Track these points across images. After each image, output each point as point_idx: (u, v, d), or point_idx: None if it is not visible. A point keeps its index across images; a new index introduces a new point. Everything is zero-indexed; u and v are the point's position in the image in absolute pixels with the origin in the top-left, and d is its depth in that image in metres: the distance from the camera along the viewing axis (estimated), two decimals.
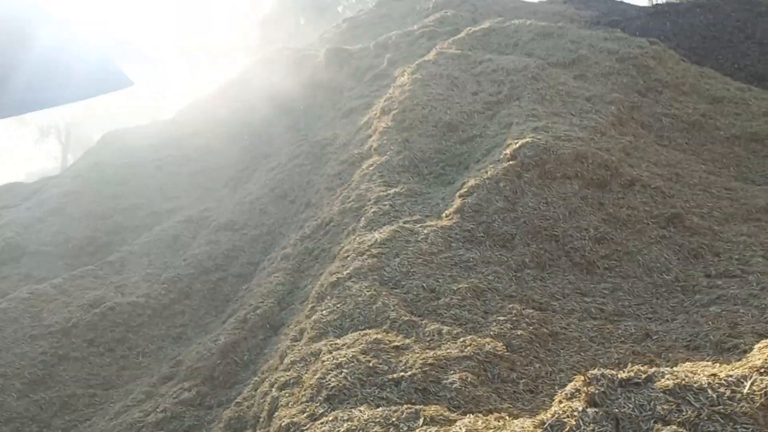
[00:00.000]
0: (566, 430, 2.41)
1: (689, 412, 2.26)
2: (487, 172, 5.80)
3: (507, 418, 2.98)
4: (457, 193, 5.78)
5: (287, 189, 8.51)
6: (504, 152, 5.90)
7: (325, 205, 7.08)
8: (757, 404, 2.22)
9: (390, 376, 3.51)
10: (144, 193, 9.86)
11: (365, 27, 14.74)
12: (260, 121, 11.60)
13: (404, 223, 5.53)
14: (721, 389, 2.31)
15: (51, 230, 8.77)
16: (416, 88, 8.13)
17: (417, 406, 3.20)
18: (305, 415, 3.40)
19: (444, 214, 5.57)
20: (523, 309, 4.22)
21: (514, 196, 5.47)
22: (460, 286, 4.45)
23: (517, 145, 5.82)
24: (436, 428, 2.97)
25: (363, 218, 5.93)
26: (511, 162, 5.73)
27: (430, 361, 3.57)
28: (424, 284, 4.51)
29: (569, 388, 2.64)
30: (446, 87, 8.07)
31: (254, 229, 8.05)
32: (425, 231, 5.21)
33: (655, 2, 14.97)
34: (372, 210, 6.00)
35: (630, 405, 2.35)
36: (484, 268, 4.77)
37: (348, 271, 4.77)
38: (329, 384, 3.51)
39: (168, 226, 8.46)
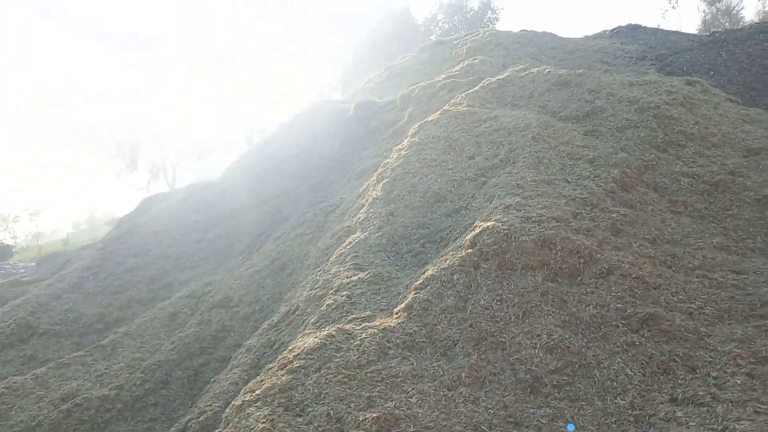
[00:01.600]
0: None
1: None
2: (445, 261, 5.22)
3: None
4: (414, 284, 5.23)
5: (286, 261, 8.22)
6: (465, 237, 5.29)
7: (301, 287, 6.72)
8: None
9: None
10: (163, 264, 9.92)
11: (406, 74, 14.43)
12: (291, 179, 11.49)
13: (350, 321, 5.05)
14: None
15: (64, 308, 8.96)
16: (411, 153, 7.66)
17: None
18: None
19: (395, 310, 5.04)
20: None
21: (467, 291, 4.85)
22: (371, 415, 3.89)
23: (478, 231, 5.20)
24: None
25: (317, 312, 5.51)
26: (469, 250, 5.11)
27: None
28: (332, 411, 3.99)
29: None
30: (442, 151, 7.53)
31: (248, 305, 7.81)
32: (363, 335, 4.70)
33: (712, 30, 13.59)
34: (328, 302, 5.56)
35: None
36: (411, 385, 4.18)
37: (259, 391, 4.34)
38: None
39: (169, 303, 8.39)
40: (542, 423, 3.84)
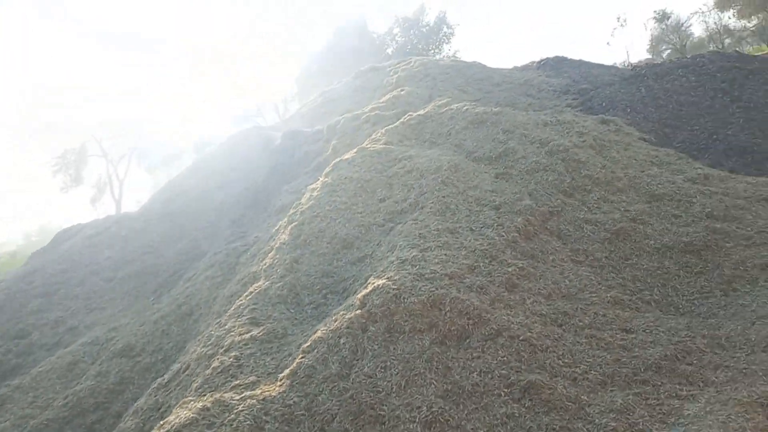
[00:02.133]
0: None
1: None
2: (335, 322, 5.03)
3: None
4: (302, 347, 5.01)
5: (194, 306, 7.89)
6: (357, 296, 5.11)
7: (197, 341, 6.42)
8: None
9: None
10: (70, 305, 9.45)
11: (339, 101, 14.27)
12: (212, 212, 11.15)
13: (231, 389, 4.79)
14: None
15: None
16: (323, 194, 7.46)
17: None
18: None
19: (281, 376, 4.80)
20: None
21: (353, 357, 4.66)
22: None
23: (369, 290, 5.02)
24: None
25: (203, 375, 5.22)
26: (358, 311, 4.93)
27: None
28: None
29: None
30: (353, 193, 7.35)
31: (151, 355, 7.44)
32: (241, 407, 4.45)
33: (633, 64, 13.90)
34: (215, 364, 5.29)
35: None
36: None
37: None
38: None
39: (69, 351, 7.95)
40: None
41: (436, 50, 45.73)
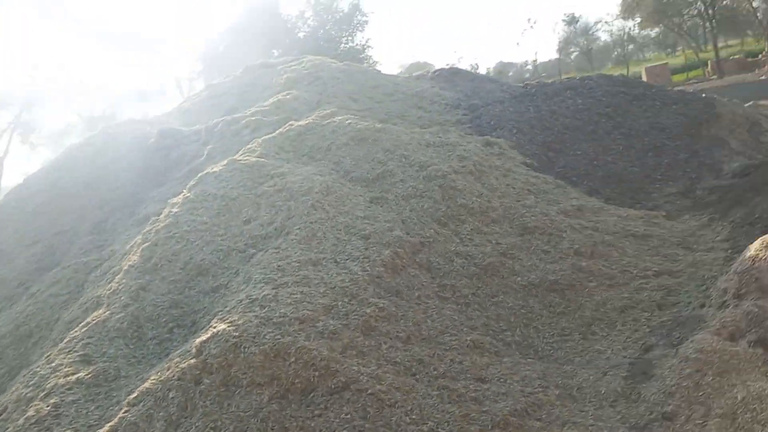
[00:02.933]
0: None
1: None
2: (168, 370, 4.53)
3: None
4: (128, 399, 4.49)
5: (34, 327, 7.10)
6: (195, 342, 4.63)
7: (21, 377, 5.72)
8: None
9: None
10: None
11: (225, 97, 13.53)
12: (73, 215, 10.20)
13: None
14: None
15: None
16: (183, 212, 6.88)
17: None
18: None
19: None
20: None
21: (181, 414, 4.19)
22: None
23: (207, 337, 4.56)
24: None
25: (14, 426, 4.59)
26: (193, 360, 4.46)
27: None
28: None
29: None
30: (216, 212, 6.83)
31: None
32: None
33: (525, 82, 14.12)
34: (30, 412, 4.67)
35: None
36: None
37: None
38: None
39: None
40: None
41: (349, 38, 45.21)
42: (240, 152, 8.26)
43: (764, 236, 5.26)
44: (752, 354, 4.33)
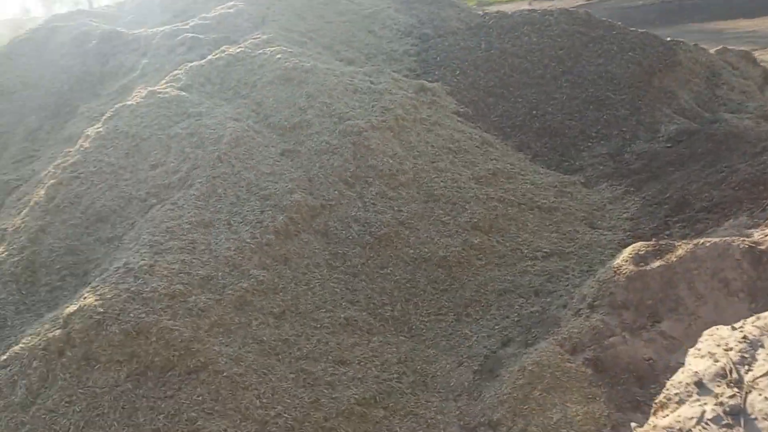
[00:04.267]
0: None
1: None
2: (36, 337, 4.78)
3: None
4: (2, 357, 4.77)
5: None
6: (64, 312, 4.84)
7: None
8: None
9: None
10: None
11: None
12: (10, 114, 10.04)
13: None
14: None
15: None
16: (92, 149, 6.86)
17: None
18: None
19: None
20: None
21: (41, 384, 4.49)
22: None
23: (74, 309, 4.77)
24: None
25: None
26: (58, 331, 4.70)
27: None
28: None
29: None
30: (125, 153, 6.81)
31: None
32: None
33: (485, 11, 13.48)
34: None
35: None
36: None
37: None
38: None
39: None
40: None
41: None
42: (164, 80, 8.08)
43: (634, 245, 5.40)
44: (582, 373, 4.63)
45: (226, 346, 4.90)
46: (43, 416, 4.30)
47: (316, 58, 8.68)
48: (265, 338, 5.12)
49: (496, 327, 5.72)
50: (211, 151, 6.62)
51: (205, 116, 7.19)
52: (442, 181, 7.10)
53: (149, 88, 7.64)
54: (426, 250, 6.36)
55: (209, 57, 8.41)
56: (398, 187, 6.92)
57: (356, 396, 4.85)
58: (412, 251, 6.35)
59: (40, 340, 4.69)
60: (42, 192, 6.56)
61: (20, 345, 4.76)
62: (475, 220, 6.68)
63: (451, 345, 5.62)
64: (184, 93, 7.63)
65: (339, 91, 7.79)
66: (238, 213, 6.10)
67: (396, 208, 6.67)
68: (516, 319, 5.77)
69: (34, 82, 10.32)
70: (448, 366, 5.33)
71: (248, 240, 5.78)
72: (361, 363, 5.21)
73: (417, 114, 7.95)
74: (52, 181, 6.59)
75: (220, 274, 5.41)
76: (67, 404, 4.37)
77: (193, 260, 5.43)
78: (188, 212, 5.94)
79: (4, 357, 4.72)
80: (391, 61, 9.59)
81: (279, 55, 8.19)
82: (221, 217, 6.01)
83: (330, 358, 5.18)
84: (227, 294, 5.25)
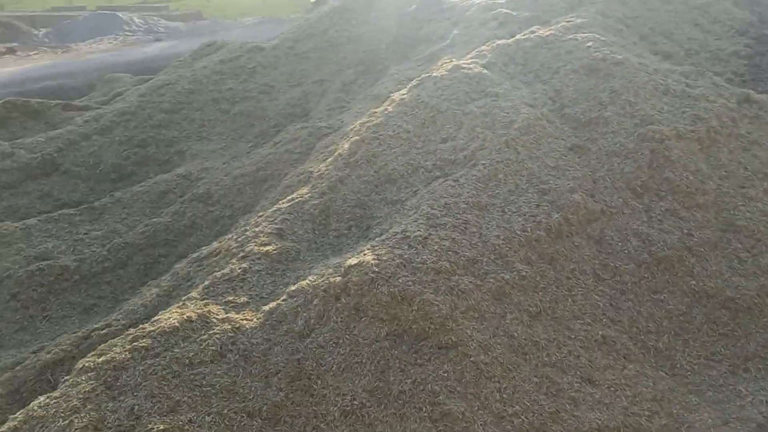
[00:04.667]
0: None
1: None
2: (321, 278, 5.40)
3: None
4: (288, 289, 5.51)
5: (268, 175, 8.57)
6: (345, 264, 5.37)
7: (236, 227, 7.13)
8: None
9: None
10: (186, 127, 10.53)
11: None
12: (333, 64, 11.34)
13: (224, 303, 5.45)
14: None
15: (89, 151, 9.93)
16: (394, 114, 7.41)
17: None
18: None
19: (263, 307, 5.38)
20: None
21: (318, 321, 5.08)
22: (163, 424, 4.47)
23: (354, 263, 5.27)
24: None
25: (210, 278, 5.92)
26: (338, 278, 5.25)
27: None
28: (136, 407, 4.59)
29: None
30: (421, 122, 7.21)
31: (222, 209, 8.38)
32: (216, 329, 5.12)
33: None
34: (225, 270, 5.94)
35: None
36: (220, 402, 4.67)
37: (93, 360, 4.96)
38: None
39: (162, 179, 9.12)
40: None
41: None
42: (470, 54, 8.29)
43: None
44: None
45: (478, 332, 5.02)
46: (314, 349, 4.89)
47: (630, 48, 8.12)
48: (516, 334, 5.12)
49: None
50: (501, 134, 6.68)
51: (502, 98, 7.25)
52: (748, 212, 6.22)
53: (455, 62, 7.93)
54: (711, 285, 5.70)
55: (517, 36, 8.40)
56: (694, 207, 6.25)
57: (599, 421, 4.63)
58: (694, 282, 5.74)
59: (322, 281, 5.30)
60: (346, 146, 7.29)
61: (307, 281, 5.43)
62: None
63: (718, 398, 5.02)
64: (486, 71, 7.76)
65: (647, 91, 7.21)
66: (514, 202, 6.10)
67: (686, 231, 6.05)
68: None
69: (357, 38, 11.40)
70: (710, 420, 4.79)
71: (518, 232, 5.77)
72: (611, 388, 4.93)
73: (734, 128, 7.02)
74: (355, 137, 7.28)
75: (485, 259, 5.51)
76: (334, 344, 4.90)
77: (463, 240, 5.60)
78: (467, 191, 6.11)
79: (293, 288, 5.43)
80: (715, 61, 8.54)
81: (589, 43, 7.84)
82: (496, 203, 6.07)
83: (578, 373, 5.00)
84: (488, 281, 5.34)
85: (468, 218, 5.84)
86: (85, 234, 8.13)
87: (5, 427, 4.51)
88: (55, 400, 4.57)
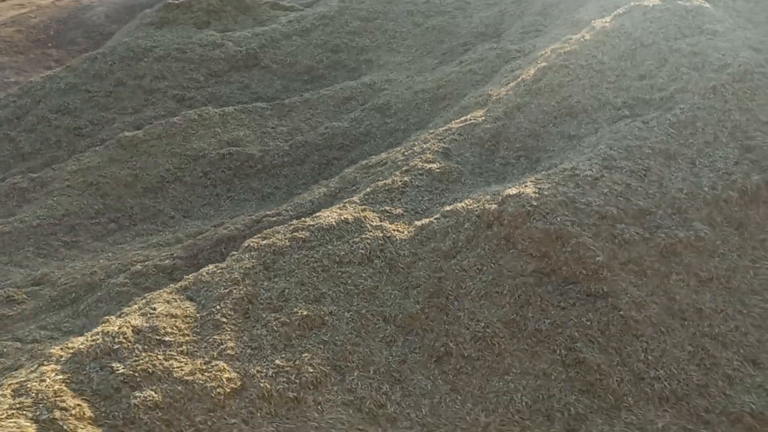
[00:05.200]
0: None
1: None
2: (477, 202, 5.30)
3: None
4: (443, 209, 5.47)
5: (447, 93, 8.47)
6: (504, 192, 5.18)
7: (408, 140, 7.17)
8: None
9: None
10: (378, 38, 10.64)
11: None
12: None
13: (378, 212, 5.60)
14: None
15: (288, 50, 10.45)
16: (590, 42, 6.84)
17: None
18: None
19: (417, 222, 5.44)
20: None
21: (467, 245, 5.03)
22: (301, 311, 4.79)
23: (512, 193, 5.07)
24: None
25: (373, 185, 6.08)
26: (493, 205, 5.11)
27: None
28: (286, 291, 4.94)
29: None
30: (620, 55, 6.58)
31: (398, 121, 8.49)
32: (368, 235, 5.31)
33: None
34: (387, 181, 6.05)
35: None
36: (363, 301, 4.88)
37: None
38: None
39: (348, 85, 9.37)
40: None
41: None
42: None
43: None
44: None
45: (634, 287, 4.66)
46: (457, 271, 4.88)
47: None
48: (678, 297, 4.69)
49: None
50: (709, 78, 5.90)
51: (720, 37, 6.35)
52: None
53: None
54: None
55: None
56: None
57: (753, 406, 4.17)
58: None
59: (477, 206, 5.20)
60: (531, 71, 6.92)
61: (463, 203, 5.37)
62: None
63: None
64: (707, 4, 6.82)
65: None
66: (709, 155, 5.43)
67: None
68: None
69: None
70: None
71: (706, 188, 5.16)
72: None
73: None
74: (543, 63, 6.87)
75: (660, 212, 5.03)
76: (477, 270, 4.85)
77: (639, 188, 5.14)
78: (656, 136, 5.55)
79: (448, 208, 5.40)
80: None
81: None
82: (688, 153, 5.45)
83: (741, 351, 4.50)
84: (658, 236, 4.89)
85: (650, 165, 5.33)
86: (272, 128, 8.72)
87: (179, 284, 5.13)
88: (220, 270, 5.09)
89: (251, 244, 5.36)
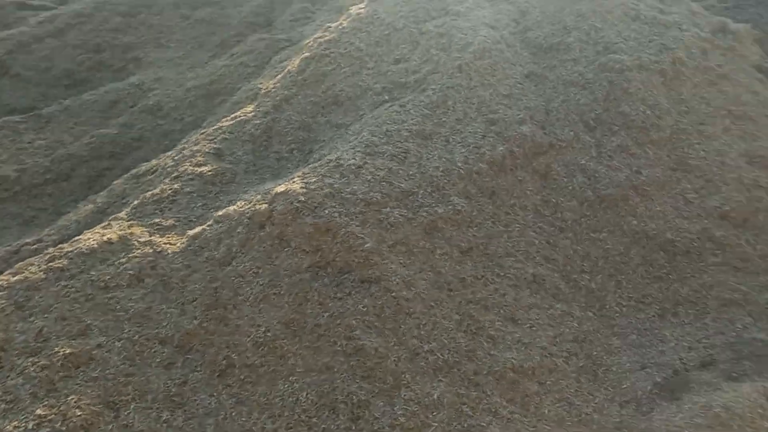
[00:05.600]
0: None
1: None
2: (248, 204, 5.21)
3: None
4: (215, 215, 5.32)
5: (221, 88, 8.20)
6: (273, 190, 5.17)
7: (181, 144, 6.86)
8: None
9: None
10: (144, 33, 10.00)
11: None
12: None
13: (149, 226, 5.30)
14: None
15: (41, 54, 9.45)
16: (347, 30, 6.99)
17: None
18: None
19: (190, 232, 5.22)
20: None
21: (240, 249, 4.94)
22: (65, 350, 4.42)
23: (280, 191, 5.06)
24: None
25: (141, 197, 5.72)
26: (264, 206, 5.06)
27: None
28: (45, 329, 4.51)
29: None
30: (375, 41, 6.81)
31: (172, 122, 8.07)
32: (137, 253, 4.99)
33: None
34: (155, 190, 5.74)
35: None
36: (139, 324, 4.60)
37: (14, 277, 4.85)
38: None
39: (114, 87, 8.73)
40: None
41: None
42: None
43: None
44: None
45: (403, 267, 4.90)
46: (233, 279, 4.77)
47: None
48: (443, 271, 5.00)
49: (703, 341, 4.92)
50: (455, 57, 6.31)
51: (462, 17, 6.82)
52: (703, 150, 5.99)
53: None
54: (653, 226, 5.56)
55: None
56: (647, 144, 6.01)
57: (514, 360, 4.60)
58: (635, 223, 5.59)
59: (249, 208, 5.12)
60: (296, 62, 6.92)
61: (234, 207, 5.25)
62: (727, 209, 5.60)
63: (641, 342, 4.99)
64: None
65: (616, 16, 6.79)
66: (460, 132, 5.83)
67: (634, 169, 5.84)
68: (731, 340, 4.87)
69: None
70: (628, 364, 4.78)
71: (459, 163, 5.54)
72: (533, 328, 4.88)
73: (704, 61, 6.65)
74: (306, 54, 6.90)
75: (420, 192, 5.32)
76: (253, 274, 4.78)
77: (400, 171, 5.38)
78: (413, 118, 5.83)
79: (220, 213, 5.25)
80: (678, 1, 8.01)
81: None
82: (442, 132, 5.81)
83: (501, 312, 4.93)
84: (420, 215, 5.17)
85: (408, 147, 5.60)
86: (29, 143, 7.85)
87: None
88: None
89: (0, 283, 4.79)
